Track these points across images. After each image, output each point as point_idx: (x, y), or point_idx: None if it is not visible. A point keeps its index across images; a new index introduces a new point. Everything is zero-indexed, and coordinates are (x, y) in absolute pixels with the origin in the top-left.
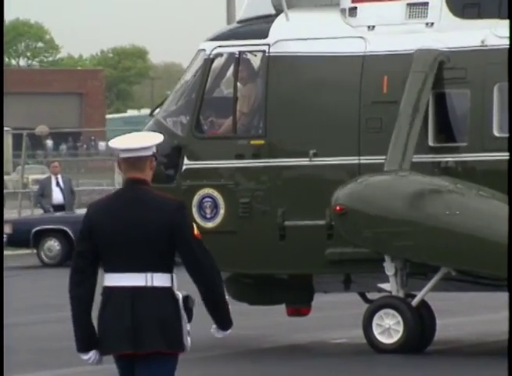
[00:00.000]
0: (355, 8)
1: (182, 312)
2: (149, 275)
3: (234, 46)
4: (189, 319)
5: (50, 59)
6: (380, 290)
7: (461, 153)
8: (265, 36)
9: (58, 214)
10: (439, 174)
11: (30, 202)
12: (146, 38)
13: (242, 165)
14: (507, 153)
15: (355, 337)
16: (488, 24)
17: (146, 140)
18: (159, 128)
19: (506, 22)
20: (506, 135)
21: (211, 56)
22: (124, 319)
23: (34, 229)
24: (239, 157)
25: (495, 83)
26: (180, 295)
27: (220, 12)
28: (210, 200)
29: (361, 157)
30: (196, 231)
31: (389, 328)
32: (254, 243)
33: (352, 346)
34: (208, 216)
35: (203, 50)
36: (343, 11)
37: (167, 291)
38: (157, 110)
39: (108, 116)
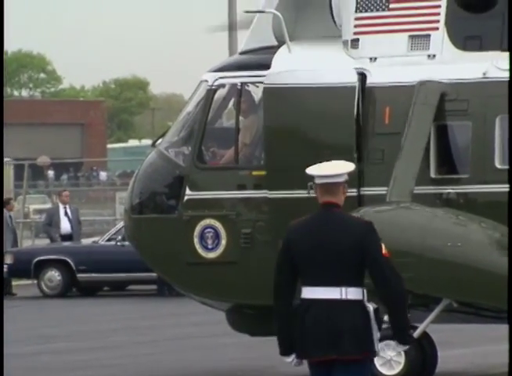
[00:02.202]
0: (357, 40)
1: (373, 321)
2: (343, 289)
3: (236, 77)
4: (379, 328)
5: (52, 90)
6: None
7: (463, 185)
8: (267, 67)
9: (58, 244)
10: (441, 205)
11: (31, 232)
12: (147, 70)
13: (244, 196)
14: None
15: None
16: (490, 57)
17: (340, 168)
18: (161, 158)
19: (508, 54)
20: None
21: (213, 87)
22: (322, 329)
23: (35, 260)
24: (241, 187)
25: (497, 115)
26: (371, 307)
27: (222, 43)
28: (211, 230)
29: (362, 189)
30: (384, 250)
31: (390, 360)
32: (255, 273)
33: None
34: (210, 247)
35: (206, 81)
36: (345, 43)
37: (359, 304)
38: (159, 141)
39: (109, 146)
